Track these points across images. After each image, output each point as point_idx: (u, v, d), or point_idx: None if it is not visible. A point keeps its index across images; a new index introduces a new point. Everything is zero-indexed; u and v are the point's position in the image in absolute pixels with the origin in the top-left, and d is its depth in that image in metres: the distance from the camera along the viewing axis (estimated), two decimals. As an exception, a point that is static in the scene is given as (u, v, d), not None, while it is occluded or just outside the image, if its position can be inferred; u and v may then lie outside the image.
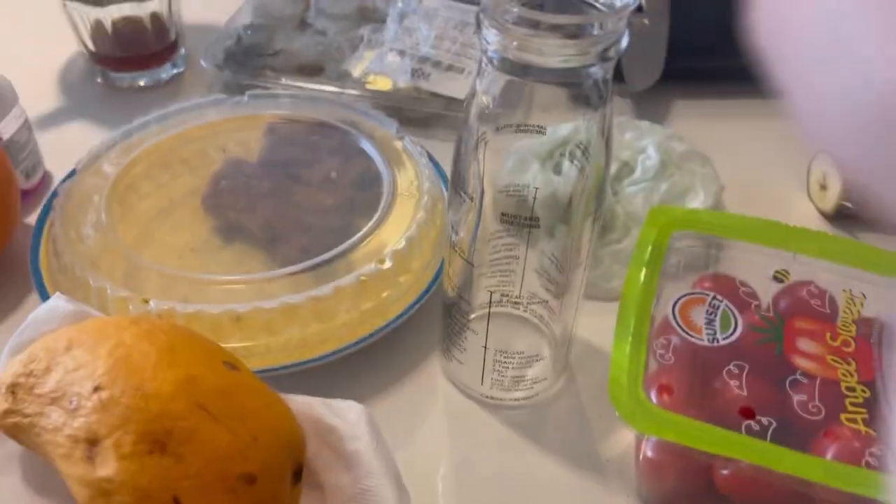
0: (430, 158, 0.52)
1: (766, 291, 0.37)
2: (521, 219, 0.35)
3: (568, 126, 0.38)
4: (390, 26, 0.62)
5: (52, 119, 0.59)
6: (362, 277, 0.41)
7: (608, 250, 0.49)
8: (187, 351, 0.33)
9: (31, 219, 0.49)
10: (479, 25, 0.32)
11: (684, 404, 0.32)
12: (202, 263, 0.46)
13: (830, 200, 0.54)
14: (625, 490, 0.39)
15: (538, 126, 0.35)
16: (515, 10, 0.31)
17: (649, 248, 0.38)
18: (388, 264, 0.42)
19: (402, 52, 0.60)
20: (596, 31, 0.31)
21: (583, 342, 0.46)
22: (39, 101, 0.61)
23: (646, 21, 0.63)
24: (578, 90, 0.33)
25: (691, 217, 0.40)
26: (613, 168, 0.52)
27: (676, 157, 0.54)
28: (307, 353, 0.41)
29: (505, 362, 0.40)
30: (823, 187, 0.55)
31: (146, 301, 0.40)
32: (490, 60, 0.32)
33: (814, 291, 0.37)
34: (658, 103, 0.64)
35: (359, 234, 0.45)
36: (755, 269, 0.38)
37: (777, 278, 0.38)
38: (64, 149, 0.54)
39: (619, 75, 0.63)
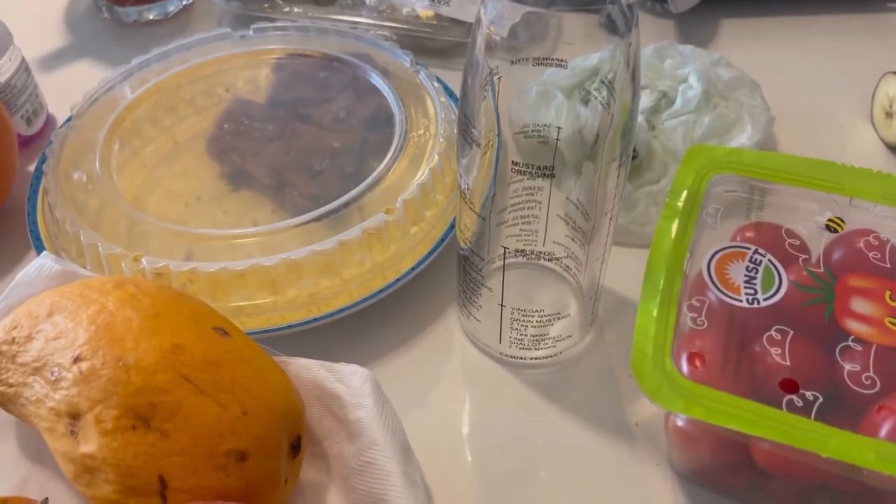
0: (451, 94, 0.48)
1: (817, 243, 0.33)
2: (533, 168, 0.31)
3: (595, 56, 0.34)
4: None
5: (57, 59, 0.57)
6: (369, 230, 0.38)
7: (644, 191, 0.45)
8: (173, 316, 0.31)
9: (33, 168, 0.46)
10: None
11: (717, 375, 0.29)
12: (208, 212, 0.43)
13: (893, 128, 0.49)
14: (654, 457, 0.36)
15: (559, 59, 0.31)
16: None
17: (684, 194, 0.34)
18: (396, 215, 0.39)
19: (421, -25, 0.56)
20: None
21: (613, 294, 0.42)
22: (43, 41, 0.58)
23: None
24: (602, 16, 0.29)
25: (733, 157, 0.35)
26: (651, 100, 0.48)
27: (722, 86, 0.48)
28: (314, 310, 0.38)
29: (523, 321, 0.37)
30: (890, 115, 0.50)
31: (139, 257, 0.37)
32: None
33: (872, 242, 0.32)
34: (704, 24, 0.58)
35: (369, 179, 0.42)
36: (805, 216, 0.34)
37: (829, 227, 0.33)
38: (71, 90, 0.51)
39: (661, -7, 0.58)
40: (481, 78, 0.31)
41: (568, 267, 0.39)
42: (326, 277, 0.38)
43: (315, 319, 0.38)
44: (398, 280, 0.39)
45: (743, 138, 0.46)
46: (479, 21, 0.30)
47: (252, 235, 0.40)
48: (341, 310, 0.38)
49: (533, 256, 0.38)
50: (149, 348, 0.29)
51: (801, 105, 0.52)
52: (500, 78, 0.31)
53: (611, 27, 0.30)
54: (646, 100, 0.48)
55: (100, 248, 0.38)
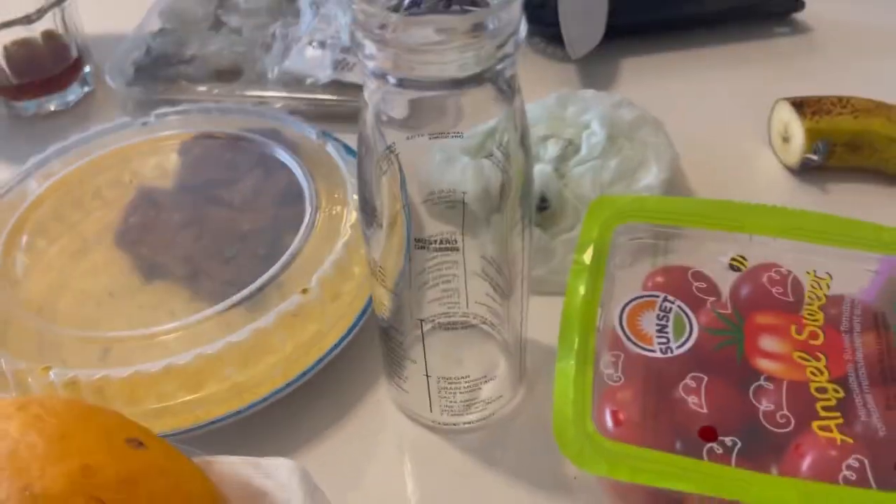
0: (360, 161, 0.48)
1: (724, 283, 0.34)
2: (438, 241, 0.32)
3: (489, 123, 0.34)
4: (304, 17, 0.57)
5: (-45, 161, 0.55)
6: (285, 313, 0.38)
7: (560, 240, 0.46)
8: (82, 435, 0.29)
9: (-67, 281, 0.44)
10: (354, 41, 0.27)
11: (639, 430, 0.29)
12: (122, 309, 0.42)
13: (794, 153, 0.51)
14: (594, 510, 0.36)
15: (455, 132, 0.31)
16: (394, 18, 0.27)
17: (590, 248, 0.35)
18: (312, 294, 0.39)
19: (322, 44, 0.56)
20: (492, 26, 0.27)
21: (540, 346, 0.42)
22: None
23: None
24: (488, 89, 0.29)
25: (635, 206, 0.36)
26: (558, 148, 0.48)
27: (625, 127, 0.50)
28: (238, 401, 0.37)
29: (451, 388, 0.37)
30: (786, 139, 0.52)
31: (47, 370, 0.36)
32: (375, 76, 0.28)
33: (775, 277, 0.33)
34: (603, 66, 0.60)
35: (284, 258, 0.41)
36: (709, 258, 0.35)
37: (733, 266, 0.34)
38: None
39: (559, 40, 0.59)
40: (377, 154, 0.31)
41: (493, 324, 0.39)
42: (247, 366, 0.38)
43: (239, 412, 0.37)
44: (321, 360, 0.39)
45: (650, 178, 0.47)
46: (365, 102, 0.30)
47: (169, 332, 0.39)
48: (265, 398, 0.37)
49: (456, 317, 0.38)
50: (56, 474, 0.28)
51: (704, 138, 0.53)
52: (397, 154, 0.31)
53: (498, 97, 0.30)
54: (552, 149, 0.49)
55: (2, 364, 0.36)
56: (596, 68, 0.59)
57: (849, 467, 0.27)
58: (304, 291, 0.39)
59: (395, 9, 0.29)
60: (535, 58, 0.61)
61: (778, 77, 0.58)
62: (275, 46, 0.56)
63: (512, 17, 0.27)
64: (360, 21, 0.27)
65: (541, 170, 0.46)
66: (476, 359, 0.38)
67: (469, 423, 0.39)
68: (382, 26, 0.27)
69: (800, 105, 0.50)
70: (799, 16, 0.63)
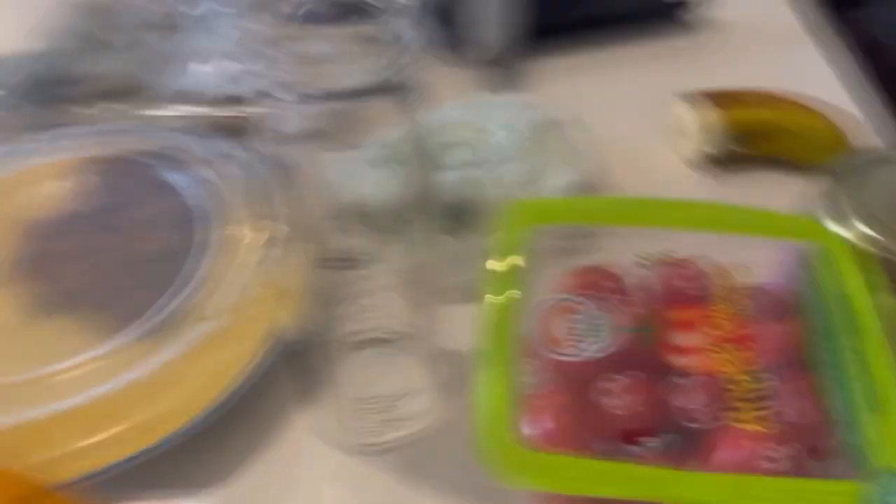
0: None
1: (636, 280, 0.34)
2: (344, 260, 0.31)
3: (390, 135, 0.34)
4: (197, 33, 0.55)
5: None
6: (188, 343, 0.36)
7: (474, 247, 0.45)
8: (-32, 495, 0.27)
9: None
10: (247, 55, 0.26)
11: (559, 438, 0.29)
12: (16, 348, 0.39)
13: (690, 147, 0.52)
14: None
15: (355, 144, 0.31)
16: (287, 31, 0.26)
17: (504, 253, 0.34)
18: (217, 322, 0.37)
19: (217, 59, 0.54)
20: (385, 38, 0.26)
21: (459, 357, 0.41)
22: None
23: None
24: (383, 102, 0.29)
25: (547, 207, 0.36)
26: (468, 154, 0.48)
27: (534, 131, 0.50)
28: (141, 441, 0.35)
29: (365, 408, 0.36)
30: (683, 134, 0.53)
31: (-70, 426, 0.33)
32: (271, 90, 0.27)
33: (685, 273, 0.33)
34: (512, 69, 0.60)
35: (188, 286, 0.39)
36: (621, 256, 0.35)
37: (645, 263, 0.34)
38: None
39: (466, 45, 0.59)
40: (277, 170, 0.30)
41: (408, 338, 0.38)
42: (153, 403, 0.36)
43: (145, 452, 0.35)
44: (231, 390, 0.37)
45: (561, 179, 0.47)
46: (261, 118, 0.29)
47: (62, 371, 0.37)
48: (173, 435, 0.35)
49: (371, 334, 0.37)
50: (-61, 540, 0.26)
51: (611, 137, 0.53)
52: (298, 170, 0.30)
53: (396, 107, 0.29)
54: (462, 154, 0.48)
55: None
56: (504, 72, 0.59)
57: (766, 457, 0.27)
58: (208, 318, 0.37)
59: (289, 22, 0.28)
60: (443, 63, 0.61)
61: (677, 74, 0.59)
62: (167, 63, 0.54)
63: (405, 27, 0.26)
64: (252, 35, 0.26)
65: (451, 176, 0.46)
66: (393, 375, 0.38)
67: (390, 442, 0.38)
68: (275, 40, 0.26)
69: (695, 100, 0.51)
70: (696, 15, 0.65)
